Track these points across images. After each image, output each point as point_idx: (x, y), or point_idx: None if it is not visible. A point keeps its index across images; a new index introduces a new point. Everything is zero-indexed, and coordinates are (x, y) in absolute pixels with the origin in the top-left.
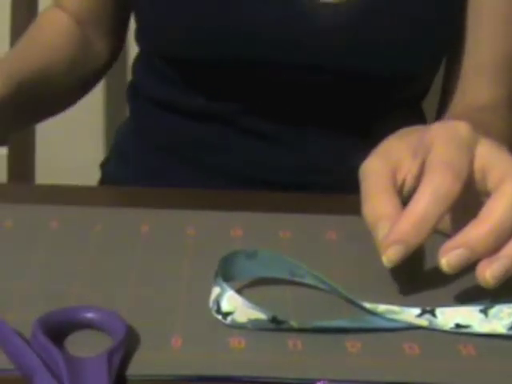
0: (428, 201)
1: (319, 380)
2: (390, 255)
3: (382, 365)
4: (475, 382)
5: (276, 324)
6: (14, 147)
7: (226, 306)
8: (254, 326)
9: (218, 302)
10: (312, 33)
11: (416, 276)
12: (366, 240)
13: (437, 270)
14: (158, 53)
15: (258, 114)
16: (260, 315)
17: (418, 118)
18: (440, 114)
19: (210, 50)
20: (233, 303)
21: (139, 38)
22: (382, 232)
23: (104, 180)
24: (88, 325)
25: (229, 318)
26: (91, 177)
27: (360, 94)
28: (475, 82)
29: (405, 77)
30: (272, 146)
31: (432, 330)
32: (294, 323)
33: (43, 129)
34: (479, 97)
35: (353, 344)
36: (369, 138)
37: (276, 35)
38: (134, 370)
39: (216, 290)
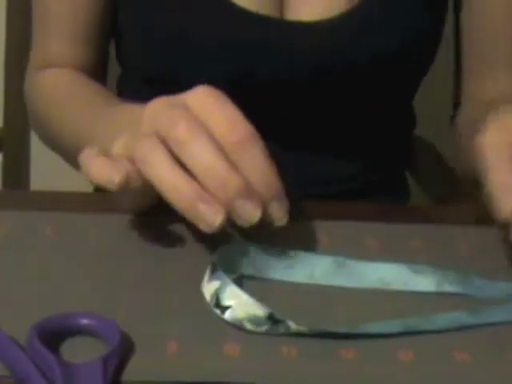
0: None
1: None
2: None
3: (376, 372)
4: None
5: (272, 323)
6: (8, 153)
7: (226, 300)
8: (250, 324)
9: (217, 296)
10: (292, 53)
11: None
12: (357, 245)
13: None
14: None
15: None
16: (258, 311)
17: (408, 116)
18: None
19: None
20: (233, 296)
21: (119, 60)
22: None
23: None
24: (83, 331)
25: (227, 312)
26: (86, 183)
27: (347, 107)
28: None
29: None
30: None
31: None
32: (291, 324)
33: None
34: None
35: (347, 351)
36: (364, 144)
37: (259, 56)
38: (128, 376)
39: (215, 284)
